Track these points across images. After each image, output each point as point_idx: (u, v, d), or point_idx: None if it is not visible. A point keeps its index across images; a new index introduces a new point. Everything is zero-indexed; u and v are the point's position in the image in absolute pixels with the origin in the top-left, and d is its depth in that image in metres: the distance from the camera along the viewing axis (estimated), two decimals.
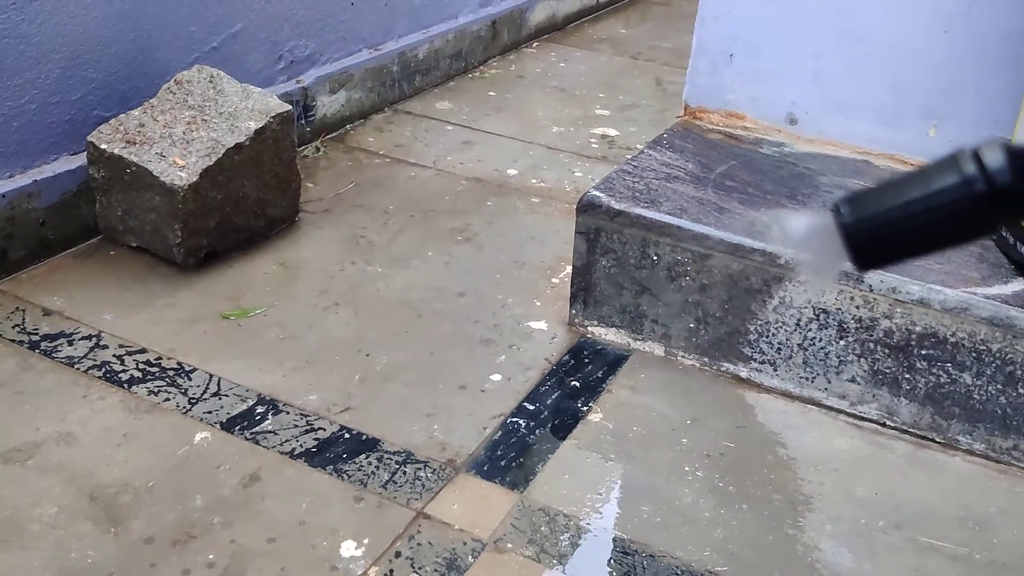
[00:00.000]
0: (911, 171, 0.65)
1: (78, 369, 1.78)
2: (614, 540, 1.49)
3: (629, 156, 2.16)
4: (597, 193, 1.93)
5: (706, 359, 1.92)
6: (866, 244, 0.64)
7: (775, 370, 1.85)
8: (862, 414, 1.79)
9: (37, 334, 1.87)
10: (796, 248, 0.68)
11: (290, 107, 2.20)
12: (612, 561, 1.45)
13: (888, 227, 0.63)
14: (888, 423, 1.77)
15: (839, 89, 2.17)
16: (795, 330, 1.80)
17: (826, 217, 0.65)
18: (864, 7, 2.07)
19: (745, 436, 1.74)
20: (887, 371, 1.74)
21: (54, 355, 1.81)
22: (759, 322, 1.83)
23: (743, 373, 1.88)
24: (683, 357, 1.94)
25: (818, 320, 1.77)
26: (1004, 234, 1.79)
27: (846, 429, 1.77)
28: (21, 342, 1.84)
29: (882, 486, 1.63)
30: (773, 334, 1.82)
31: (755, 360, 1.86)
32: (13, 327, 1.88)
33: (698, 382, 1.88)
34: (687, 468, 1.65)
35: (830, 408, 1.81)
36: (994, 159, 0.61)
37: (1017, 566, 1.50)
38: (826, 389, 1.81)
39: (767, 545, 1.50)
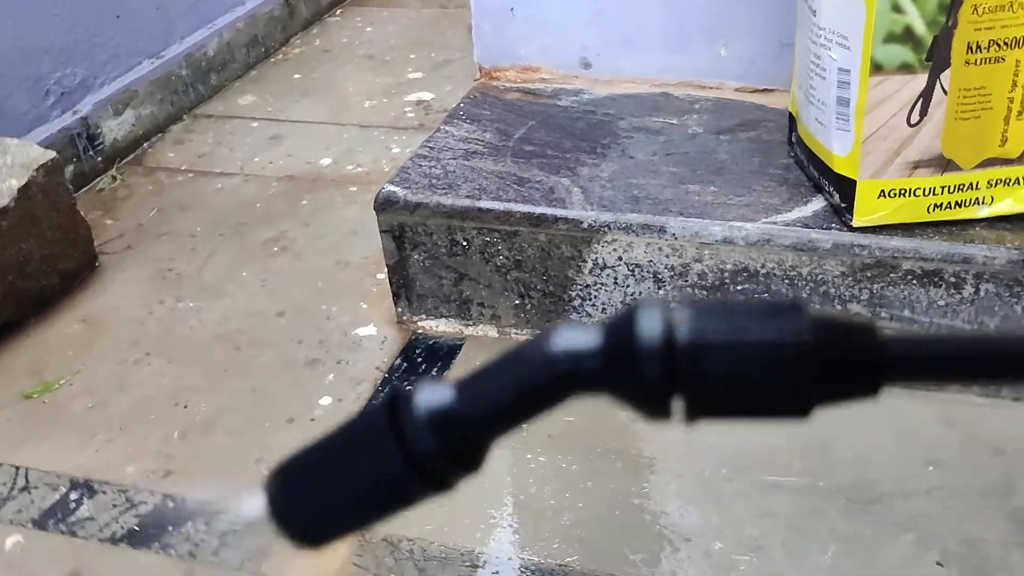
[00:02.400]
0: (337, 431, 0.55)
1: None
2: (462, 554, 1.44)
3: (427, 136, 2.07)
4: (392, 188, 1.84)
5: (538, 331, 1.87)
6: (298, 525, 0.55)
7: None
8: None
9: None
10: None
11: (54, 154, 2.03)
12: None
13: (317, 500, 0.54)
14: None
15: (623, 23, 2.11)
16: (615, 288, 1.76)
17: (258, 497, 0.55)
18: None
19: (584, 406, 1.71)
20: None
21: None
22: (579, 287, 1.79)
23: None
24: (516, 333, 1.89)
25: (634, 275, 1.74)
26: (796, 151, 1.78)
27: None
28: None
29: (723, 431, 1.62)
30: (596, 296, 1.79)
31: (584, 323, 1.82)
32: None
33: None
34: (529, 456, 1.62)
35: None
36: (409, 422, 0.48)
37: (859, 483, 1.52)
38: None
39: (615, 522, 1.48)
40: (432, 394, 0.49)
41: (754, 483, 1.53)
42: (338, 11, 3.81)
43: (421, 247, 1.84)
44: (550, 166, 1.86)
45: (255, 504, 0.51)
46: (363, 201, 2.42)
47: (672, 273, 1.71)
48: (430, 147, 1.97)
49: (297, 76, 3.22)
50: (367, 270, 2.15)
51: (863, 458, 1.56)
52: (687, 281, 1.71)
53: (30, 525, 1.55)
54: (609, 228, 1.69)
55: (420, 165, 1.91)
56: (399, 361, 1.86)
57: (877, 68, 1.46)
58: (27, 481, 1.64)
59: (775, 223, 1.64)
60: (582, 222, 1.71)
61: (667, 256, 1.69)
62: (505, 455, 1.61)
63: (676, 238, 1.67)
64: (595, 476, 1.56)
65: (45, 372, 1.90)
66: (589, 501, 1.52)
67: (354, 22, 3.69)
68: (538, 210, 1.73)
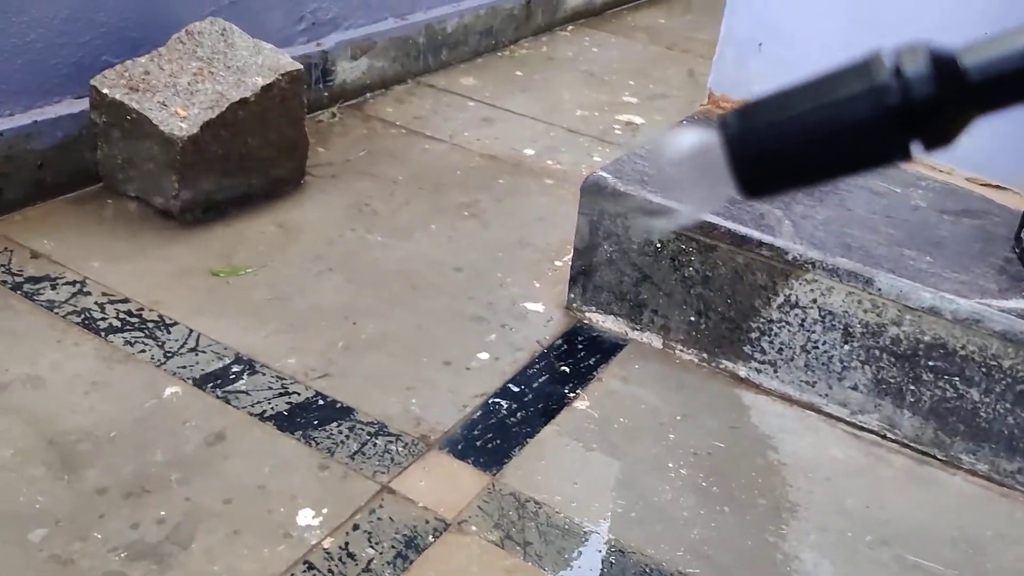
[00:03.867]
0: (819, 75, 0.56)
1: (57, 313, 1.74)
2: (583, 532, 1.42)
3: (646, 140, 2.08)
4: (603, 174, 1.85)
5: (705, 355, 1.84)
6: (753, 163, 0.54)
7: (775, 371, 1.77)
8: (862, 424, 1.70)
9: (21, 276, 1.84)
10: (676, 169, 0.57)
11: (300, 66, 2.15)
12: (579, 553, 1.39)
13: (780, 143, 0.54)
14: (888, 435, 1.68)
15: None
16: (799, 331, 1.71)
17: (713, 132, 0.56)
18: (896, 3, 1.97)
19: (737, 436, 1.67)
20: (891, 381, 1.65)
21: (35, 298, 1.78)
22: (762, 320, 1.75)
23: (742, 372, 1.80)
24: (681, 351, 1.86)
25: (823, 322, 1.68)
26: (1022, 249, 1.69)
27: (843, 438, 1.68)
28: (4, 282, 1.81)
29: (875, 500, 1.55)
30: (776, 334, 1.74)
31: (755, 359, 1.78)
32: None
33: (695, 378, 1.81)
34: (671, 464, 1.58)
35: (829, 415, 1.73)
36: (914, 65, 0.50)
37: None
38: (827, 395, 1.73)
39: (745, 550, 1.43)
40: (916, 54, 0.50)
41: (896, 558, 1.44)
42: (570, 27, 3.90)
43: (613, 238, 1.85)
44: None
45: (708, 139, 0.52)
46: (556, 194, 2.45)
47: (864, 330, 1.65)
48: (647, 149, 1.98)
49: (519, 73, 3.31)
50: (546, 254, 2.17)
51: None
52: (878, 342, 1.64)
53: (190, 382, 1.62)
54: (813, 266, 1.65)
55: (635, 162, 1.92)
56: (560, 342, 1.86)
57: None
58: (197, 344, 1.72)
59: (989, 305, 1.56)
60: (787, 253, 1.67)
61: (865, 311, 1.63)
62: (647, 458, 1.59)
63: (881, 294, 1.61)
64: (734, 504, 1.51)
65: (234, 258, 1.99)
66: (723, 524, 1.47)
67: (582, 40, 3.78)
68: (744, 230, 1.71)
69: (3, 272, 1.84)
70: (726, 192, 0.54)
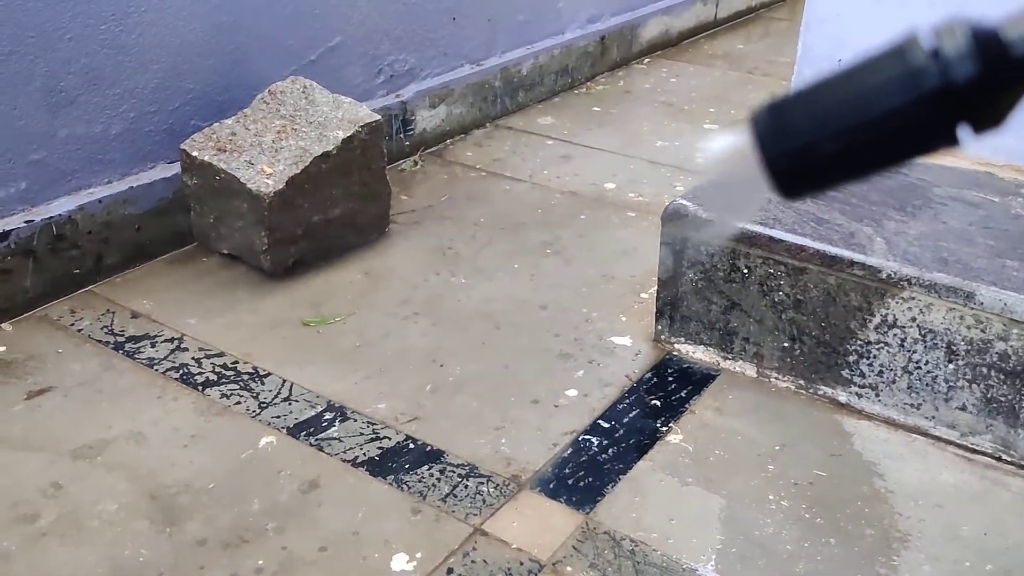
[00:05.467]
0: (855, 63, 0.52)
1: (156, 370, 1.80)
2: (683, 570, 1.38)
3: None
4: (684, 202, 1.83)
5: (802, 382, 1.78)
6: (786, 162, 0.51)
7: (877, 395, 1.70)
8: (974, 446, 1.62)
9: (123, 336, 1.91)
10: (714, 176, 0.55)
11: (379, 117, 2.20)
12: None
13: (813, 138, 0.50)
14: (1003, 457, 1.59)
15: None
16: (899, 352, 1.64)
17: (745, 132, 0.53)
18: (981, 7, 1.90)
19: (839, 464, 1.60)
20: (1003, 399, 1.56)
21: (136, 356, 1.84)
22: (859, 342, 1.68)
23: (842, 397, 1.74)
24: (777, 379, 1.80)
25: (924, 341, 1.61)
26: None
27: (955, 462, 1.60)
28: (107, 343, 1.88)
29: (992, 526, 1.46)
30: (875, 355, 1.67)
31: (855, 384, 1.71)
32: (102, 328, 1.93)
33: (792, 406, 1.75)
34: (771, 496, 1.53)
35: (938, 438, 1.65)
36: (953, 44, 0.47)
37: None
38: (933, 417, 1.65)
39: None
40: (955, 33, 0.47)
41: None
42: (646, 60, 3.90)
43: (698, 266, 1.81)
44: (853, 213, 1.78)
45: (739, 141, 0.50)
46: (639, 226, 2.43)
47: (969, 347, 1.57)
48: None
49: (596, 109, 3.32)
50: (631, 287, 2.14)
51: None
52: (984, 359, 1.56)
53: (284, 431, 1.65)
54: (909, 283, 1.58)
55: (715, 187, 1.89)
56: (649, 375, 1.83)
57: None
58: (290, 393, 1.75)
59: None
60: (881, 271, 1.61)
61: (968, 327, 1.56)
62: (746, 490, 1.53)
63: (984, 308, 1.53)
64: (840, 535, 1.45)
65: (323, 307, 2.03)
66: (829, 557, 1.41)
67: (659, 72, 3.76)
68: (834, 250, 1.66)
69: (106, 333, 1.91)
70: (762, 196, 0.51)
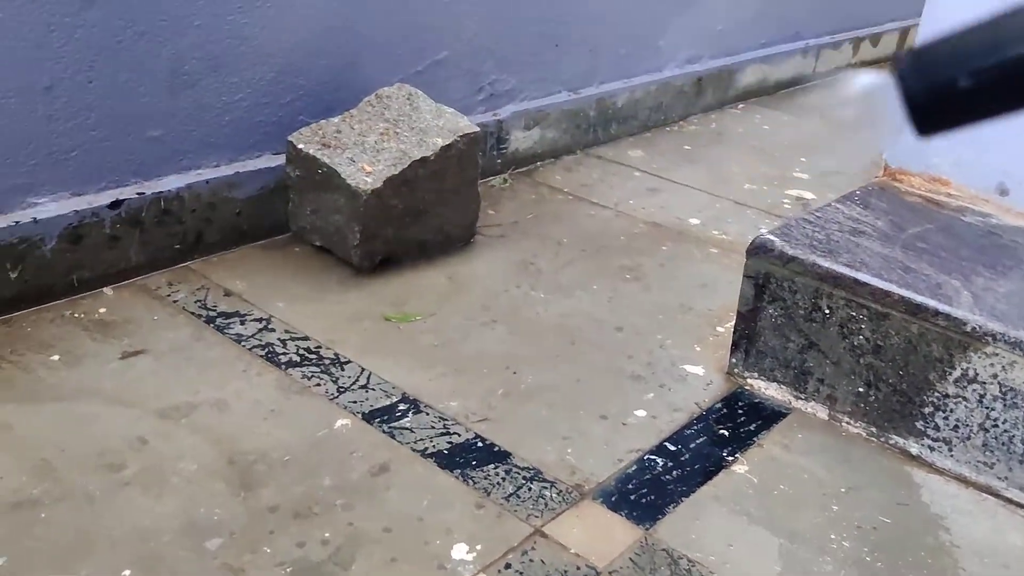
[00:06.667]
0: (1000, 10, 0.54)
1: (244, 346, 1.87)
2: None
3: (816, 208, 2.06)
4: (770, 237, 1.84)
5: (874, 429, 1.77)
6: (924, 97, 0.54)
7: (950, 450, 1.68)
8: None
9: (215, 311, 1.99)
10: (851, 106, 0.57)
11: (478, 128, 2.26)
12: None
13: (953, 75, 0.53)
14: None
15: None
16: (977, 408, 1.63)
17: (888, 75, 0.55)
18: None
19: (905, 514, 1.58)
20: None
21: (225, 331, 1.92)
22: (937, 394, 1.67)
23: (913, 449, 1.72)
24: (848, 424, 1.80)
25: (1004, 399, 1.59)
26: None
27: None
28: (199, 315, 1.97)
29: None
30: (951, 410, 1.66)
31: (928, 436, 1.70)
32: (195, 302, 2.02)
33: (862, 451, 1.74)
34: (833, 536, 1.52)
35: (1009, 500, 1.62)
36: None
37: None
38: (1007, 478, 1.62)
39: None
40: None
41: None
42: (740, 105, 3.92)
43: (779, 303, 1.82)
44: (942, 266, 1.77)
45: (876, 79, 0.53)
46: (721, 263, 2.45)
47: None
48: (817, 215, 1.96)
49: (687, 147, 3.35)
50: (708, 320, 2.15)
51: None
52: None
53: (359, 416, 1.70)
54: (994, 339, 1.57)
55: (803, 226, 1.90)
56: (719, 405, 1.84)
57: None
58: (368, 381, 1.80)
59: None
60: (966, 324, 1.60)
61: None
62: (808, 528, 1.53)
63: None
64: None
65: (406, 305, 2.09)
66: None
67: (753, 118, 3.78)
68: (919, 298, 1.65)
69: (199, 307, 2.00)
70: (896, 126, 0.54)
